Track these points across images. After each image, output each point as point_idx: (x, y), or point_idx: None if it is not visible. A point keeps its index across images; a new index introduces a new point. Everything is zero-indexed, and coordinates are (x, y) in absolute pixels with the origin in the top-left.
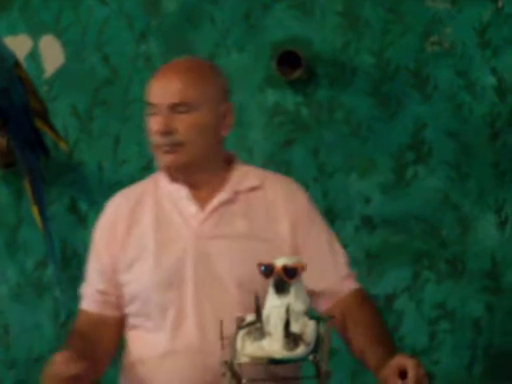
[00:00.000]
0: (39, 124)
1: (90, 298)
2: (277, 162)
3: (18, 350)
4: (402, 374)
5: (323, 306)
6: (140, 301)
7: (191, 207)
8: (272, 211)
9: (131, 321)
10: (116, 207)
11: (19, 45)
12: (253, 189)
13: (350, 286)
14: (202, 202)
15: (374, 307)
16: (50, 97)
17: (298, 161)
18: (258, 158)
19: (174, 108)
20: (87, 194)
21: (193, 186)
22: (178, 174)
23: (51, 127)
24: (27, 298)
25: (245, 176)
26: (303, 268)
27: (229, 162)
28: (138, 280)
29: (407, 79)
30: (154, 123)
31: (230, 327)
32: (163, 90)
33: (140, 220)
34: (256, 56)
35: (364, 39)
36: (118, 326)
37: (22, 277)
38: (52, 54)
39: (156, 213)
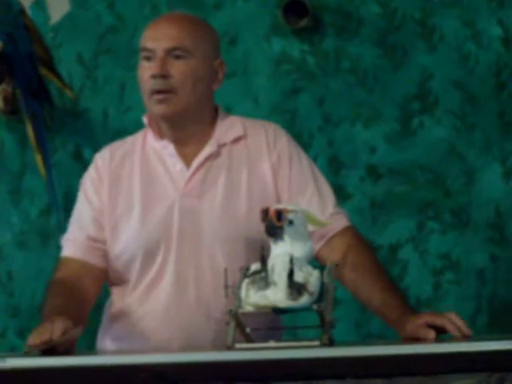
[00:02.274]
0: (44, 71)
1: (76, 245)
2: (282, 111)
3: (22, 298)
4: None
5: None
6: (125, 258)
7: (177, 164)
8: (255, 160)
9: (113, 276)
10: (103, 163)
11: None
12: (236, 139)
13: (338, 224)
14: (187, 158)
15: (366, 245)
16: (56, 44)
17: (303, 110)
18: (264, 106)
19: (170, 52)
20: (92, 141)
21: (179, 141)
22: (169, 124)
23: (56, 75)
24: (31, 245)
25: (229, 127)
26: (288, 211)
27: (214, 115)
28: (125, 238)
29: (413, 29)
30: (149, 68)
31: (211, 284)
32: (160, 34)
33: (126, 178)
34: (262, 4)
35: None
36: (101, 277)
37: (26, 224)
38: (58, 2)
39: (143, 171)
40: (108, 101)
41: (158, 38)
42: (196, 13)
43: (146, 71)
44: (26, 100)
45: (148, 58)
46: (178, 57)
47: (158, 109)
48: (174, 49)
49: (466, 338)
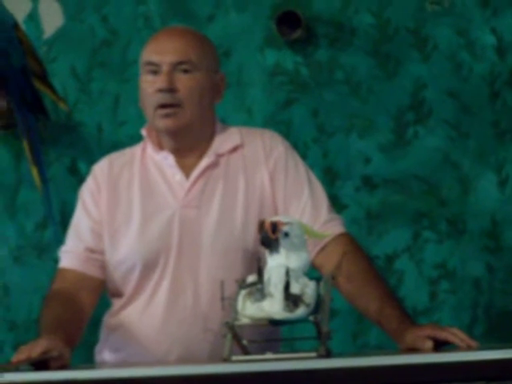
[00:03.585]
0: (38, 85)
1: (74, 256)
2: (276, 123)
3: (18, 312)
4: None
5: None
6: (123, 269)
7: (177, 175)
8: (252, 168)
9: (111, 287)
10: (101, 173)
11: (18, 6)
12: (234, 149)
13: (332, 231)
14: (187, 169)
15: (362, 252)
16: (50, 58)
17: (297, 121)
18: (258, 118)
19: (177, 66)
20: (87, 154)
21: (179, 153)
22: (172, 137)
23: (50, 88)
24: (27, 260)
25: (226, 138)
26: (282, 224)
27: (214, 128)
28: (124, 249)
29: (407, 39)
30: (154, 82)
31: (208, 296)
32: (165, 48)
33: (125, 188)
34: (255, 16)
35: None
36: (98, 289)
37: (21, 238)
38: (51, 15)
39: (142, 181)
40: (102, 114)
41: (163, 51)
42: (189, 25)
43: (151, 85)
44: (20, 113)
45: (153, 72)
46: (184, 71)
47: (164, 123)
48: (181, 63)
49: (471, 348)
